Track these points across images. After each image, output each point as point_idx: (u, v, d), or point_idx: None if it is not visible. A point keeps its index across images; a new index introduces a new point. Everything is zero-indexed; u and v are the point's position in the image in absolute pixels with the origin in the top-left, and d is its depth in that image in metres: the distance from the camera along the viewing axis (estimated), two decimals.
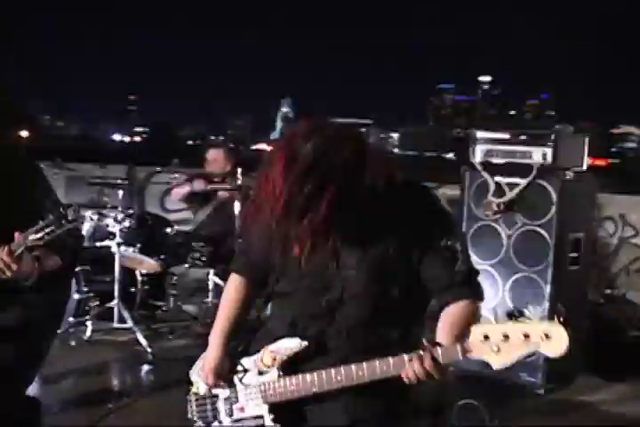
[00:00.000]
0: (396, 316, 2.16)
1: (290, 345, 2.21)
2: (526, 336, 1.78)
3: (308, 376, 2.15)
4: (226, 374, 2.37)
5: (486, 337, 1.84)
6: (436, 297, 2.19)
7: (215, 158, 6.59)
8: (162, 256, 6.19)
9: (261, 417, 2.28)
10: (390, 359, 2.00)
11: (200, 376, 2.45)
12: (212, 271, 6.37)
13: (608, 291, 6.77)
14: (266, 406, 2.26)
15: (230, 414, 2.36)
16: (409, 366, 1.96)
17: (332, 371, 2.09)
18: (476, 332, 1.86)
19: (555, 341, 1.76)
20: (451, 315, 2.13)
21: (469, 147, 5.29)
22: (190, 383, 2.49)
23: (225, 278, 5.98)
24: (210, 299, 6.35)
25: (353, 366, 2.06)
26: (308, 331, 2.22)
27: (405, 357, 1.98)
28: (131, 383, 5.23)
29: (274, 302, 2.37)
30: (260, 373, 2.27)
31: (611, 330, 5.56)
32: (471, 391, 5.02)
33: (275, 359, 2.22)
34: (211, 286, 6.36)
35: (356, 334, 2.17)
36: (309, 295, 2.20)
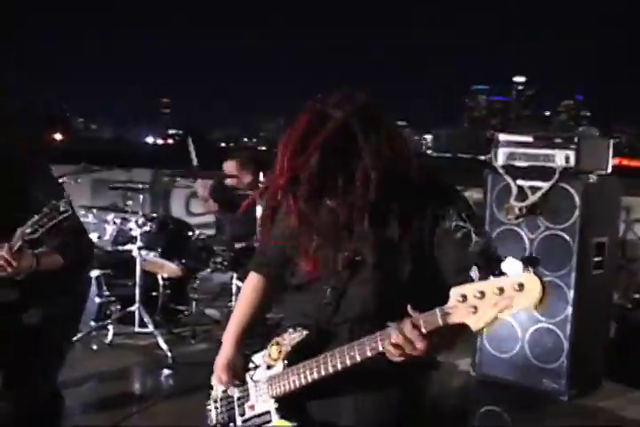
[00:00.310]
0: (405, 306, 1.97)
1: (293, 335, 2.19)
2: (501, 290, 1.70)
3: (306, 363, 2.11)
4: (239, 372, 2.35)
5: (464, 297, 1.75)
6: (451, 282, 2.00)
7: (230, 172, 6.48)
8: (183, 260, 6.19)
9: (269, 413, 2.24)
10: (377, 335, 1.92)
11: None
12: (234, 275, 6.35)
13: (637, 295, 6.69)
14: (272, 401, 2.23)
15: (242, 414, 2.34)
16: (391, 337, 1.86)
17: (328, 355, 2.04)
18: (454, 294, 1.78)
19: (528, 291, 1.68)
20: None
21: (492, 150, 5.27)
22: (212, 388, 2.48)
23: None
24: (233, 303, 6.28)
25: (345, 348, 1.99)
26: (316, 320, 2.18)
27: (391, 328, 1.90)
28: (151, 388, 5.25)
29: (289, 296, 2.34)
30: (269, 367, 2.25)
31: (638, 335, 5.48)
32: (494, 398, 4.99)
33: (280, 352, 2.21)
34: (234, 289, 6.34)
35: (361, 323, 2.11)
36: (319, 284, 2.17)
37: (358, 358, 1.95)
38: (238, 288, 6.19)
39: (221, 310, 6.68)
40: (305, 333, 2.17)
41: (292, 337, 2.19)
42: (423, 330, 1.81)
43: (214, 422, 2.44)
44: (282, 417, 2.21)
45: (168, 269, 6.19)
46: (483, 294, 1.72)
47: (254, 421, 2.29)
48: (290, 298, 2.34)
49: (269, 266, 2.39)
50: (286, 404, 2.21)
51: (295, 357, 2.17)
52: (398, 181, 2.02)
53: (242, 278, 6.11)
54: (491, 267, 1.93)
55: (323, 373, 2.05)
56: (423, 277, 2.07)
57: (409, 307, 1.85)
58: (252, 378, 2.32)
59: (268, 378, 2.24)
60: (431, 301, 1.92)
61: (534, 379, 5.04)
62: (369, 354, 1.93)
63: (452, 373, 5.39)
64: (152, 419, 4.47)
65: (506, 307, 1.70)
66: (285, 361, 2.19)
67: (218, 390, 2.44)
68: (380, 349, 1.90)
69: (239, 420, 2.34)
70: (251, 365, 2.34)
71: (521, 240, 5.13)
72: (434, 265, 2.07)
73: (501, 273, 1.72)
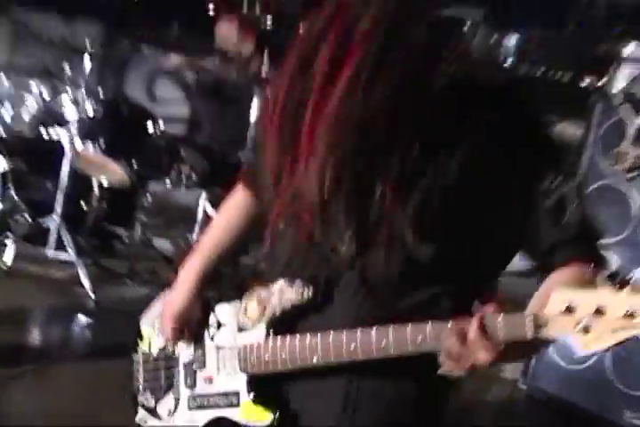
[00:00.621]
0: (452, 277, 2.08)
1: (288, 294, 2.15)
2: (630, 315, 1.66)
3: (308, 340, 2.08)
4: (194, 325, 2.37)
5: (570, 308, 1.73)
6: (531, 260, 2.10)
7: (225, 35, 6.34)
8: (134, 163, 6.07)
9: (236, 394, 2.24)
10: (428, 325, 1.91)
11: (155, 326, 2.46)
12: (203, 195, 6.37)
13: None
14: (244, 378, 2.22)
15: (192, 386, 2.36)
16: (447, 336, 1.86)
17: (344, 335, 2.02)
18: (557, 299, 1.75)
19: None
20: (553, 281, 2.01)
21: (608, 69, 5.20)
22: (140, 337, 2.51)
23: (216, 203, 5.98)
24: (194, 235, 6.34)
25: (374, 332, 1.97)
26: (316, 278, 2.15)
27: (451, 323, 1.89)
28: (59, 340, 5.24)
29: (277, 233, 2.28)
30: (241, 329, 2.24)
31: None
32: (547, 424, 5.09)
33: (264, 311, 2.19)
34: (199, 215, 6.35)
35: (383, 292, 2.10)
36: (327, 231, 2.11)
37: (392, 352, 1.96)
38: (207, 215, 6.27)
39: (176, 243, 6.70)
40: (308, 293, 2.14)
41: (285, 295, 2.17)
42: (499, 335, 1.81)
43: (141, 387, 2.50)
44: (257, 402, 2.21)
45: (110, 172, 6.10)
46: (601, 311, 1.70)
47: (211, 400, 2.32)
48: (280, 237, 2.30)
49: (264, 187, 2.34)
50: (264, 386, 2.22)
51: (284, 325, 2.17)
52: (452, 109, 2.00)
53: (214, 201, 6.25)
54: (589, 242, 2.07)
55: (333, 358, 2.05)
56: (483, 244, 2.08)
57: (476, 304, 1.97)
58: (212, 339, 2.32)
59: (240, 345, 2.23)
60: (484, 274, 2.14)
61: (612, 408, 4.96)
62: (409, 349, 1.94)
63: (490, 379, 5.39)
64: (53, 381, 4.50)
65: (630, 338, 1.70)
66: (270, 329, 2.18)
67: (153, 345, 2.47)
68: (429, 347, 1.92)
69: (185, 393, 2.37)
70: (212, 319, 2.33)
71: (625, 204, 5.08)
72: (501, 232, 2.07)
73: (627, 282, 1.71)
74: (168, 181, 6.31)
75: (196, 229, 6.35)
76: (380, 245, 2.06)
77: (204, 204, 6.36)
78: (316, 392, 2.19)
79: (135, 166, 6.10)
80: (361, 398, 2.15)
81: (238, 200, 2.47)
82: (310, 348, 2.08)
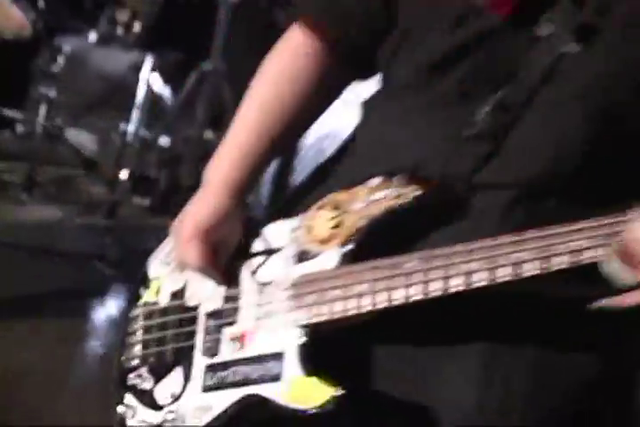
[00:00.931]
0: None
1: (381, 195, 1.97)
2: None
3: (395, 262, 1.87)
4: (229, 251, 2.14)
5: None
6: None
7: None
8: (42, 5, 5.97)
9: (278, 358, 1.99)
10: (594, 222, 1.66)
11: (170, 262, 2.30)
12: (148, 60, 6.23)
13: None
14: (297, 333, 1.98)
15: (213, 351, 2.11)
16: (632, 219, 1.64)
17: (458, 250, 1.80)
18: None
19: None
20: None
21: None
22: (145, 284, 2.32)
23: (168, 74, 5.11)
24: (132, 126, 6.20)
25: (508, 239, 1.76)
26: (426, 173, 1.97)
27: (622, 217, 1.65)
28: None
29: (369, 104, 2.14)
30: (301, 257, 2.03)
31: None
32: None
33: (337, 226, 1.99)
34: (140, 93, 6.20)
35: (530, 196, 1.90)
36: (462, 91, 1.92)
37: (539, 266, 1.72)
38: (149, 90, 6.26)
39: (102, 136, 6.55)
40: (415, 195, 1.92)
41: (376, 197, 1.95)
42: None
43: (137, 359, 2.26)
44: (309, 371, 1.91)
45: (6, 18, 5.94)
46: None
47: (238, 371, 2.06)
48: (375, 114, 2.14)
49: (350, 18, 2.15)
50: (323, 344, 1.96)
51: (371, 246, 1.94)
52: None
53: (163, 70, 6.29)
54: None
55: (440, 286, 1.82)
56: None
57: None
58: (254, 274, 2.12)
59: (297, 281, 2.00)
60: None
61: None
62: (565, 259, 1.70)
63: None
64: None
65: None
66: (348, 253, 1.94)
67: (162, 290, 2.29)
68: (586, 257, 1.67)
69: (200, 364, 2.11)
70: (257, 244, 2.14)
71: None
72: None
73: None
74: (94, 34, 6.34)
75: (135, 115, 6.16)
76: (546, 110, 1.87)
77: (148, 74, 6.20)
78: (427, 355, 1.94)
79: (42, 8, 6.03)
80: (506, 365, 1.93)
81: (296, 45, 2.20)
82: (407, 273, 1.89)
